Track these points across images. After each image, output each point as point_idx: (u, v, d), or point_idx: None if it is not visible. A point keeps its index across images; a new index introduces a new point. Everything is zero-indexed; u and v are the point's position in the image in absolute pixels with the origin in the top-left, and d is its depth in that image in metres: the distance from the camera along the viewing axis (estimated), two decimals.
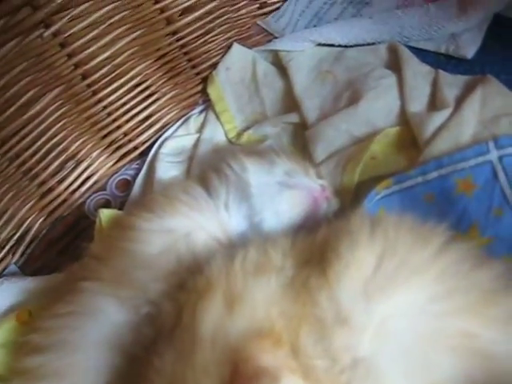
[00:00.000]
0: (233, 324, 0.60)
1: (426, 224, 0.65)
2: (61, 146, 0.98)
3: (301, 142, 0.96)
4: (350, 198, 0.83)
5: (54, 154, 0.98)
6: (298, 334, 0.59)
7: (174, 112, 1.09)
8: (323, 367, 0.58)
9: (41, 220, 1.01)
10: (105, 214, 0.87)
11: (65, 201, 1.03)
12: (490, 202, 0.77)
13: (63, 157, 0.99)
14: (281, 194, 0.76)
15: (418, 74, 0.94)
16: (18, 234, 0.98)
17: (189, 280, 0.66)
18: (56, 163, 0.99)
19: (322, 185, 0.80)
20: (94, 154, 1.03)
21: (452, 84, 0.91)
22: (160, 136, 1.09)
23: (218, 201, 0.77)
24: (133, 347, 0.67)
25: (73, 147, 1.00)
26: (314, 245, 0.66)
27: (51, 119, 0.94)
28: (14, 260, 0.98)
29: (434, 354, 0.57)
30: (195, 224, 0.74)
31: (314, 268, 0.62)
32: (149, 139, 1.09)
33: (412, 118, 0.88)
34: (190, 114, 1.10)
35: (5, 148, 0.90)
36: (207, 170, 0.83)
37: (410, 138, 0.87)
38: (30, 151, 0.94)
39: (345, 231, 0.65)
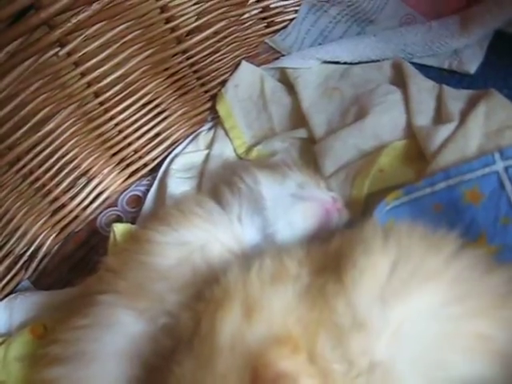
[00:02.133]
0: (251, 332, 0.61)
1: (437, 232, 0.67)
2: (73, 163, 1.00)
3: (309, 156, 0.97)
4: (359, 209, 0.85)
5: (66, 170, 1.00)
6: (316, 340, 0.60)
7: (184, 129, 1.12)
8: (341, 371, 0.59)
9: (53, 236, 1.02)
10: (119, 228, 0.88)
11: (77, 217, 1.04)
12: (497, 211, 0.79)
13: (75, 174, 1.02)
14: (294, 206, 0.78)
15: (423, 89, 0.96)
16: (30, 250, 0.99)
17: (205, 290, 0.67)
18: (68, 180, 1.01)
19: (333, 197, 0.82)
20: (106, 171, 1.05)
21: (456, 98, 0.93)
22: (170, 153, 1.11)
23: (231, 214, 0.79)
24: (151, 358, 0.68)
25: (85, 164, 1.02)
26: (329, 253, 0.68)
27: (64, 136, 0.96)
28: (26, 276, 0.99)
29: (450, 356, 0.59)
30: (210, 236, 0.76)
31: (329, 275, 0.64)
32: (159, 156, 1.11)
33: (418, 132, 0.89)
34: (199, 130, 1.13)
35: (19, 165, 0.91)
36: (219, 184, 0.85)
37: (416, 150, 0.89)
38: (44, 168, 0.96)
39: (359, 239, 0.66)
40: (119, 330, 0.70)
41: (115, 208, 1.07)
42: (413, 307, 0.60)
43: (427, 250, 0.64)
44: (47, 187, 0.98)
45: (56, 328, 0.79)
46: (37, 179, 0.96)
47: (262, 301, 0.63)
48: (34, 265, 1.00)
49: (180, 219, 0.79)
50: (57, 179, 0.99)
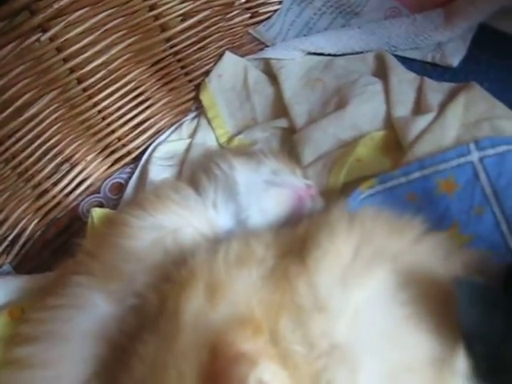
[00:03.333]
0: (214, 313, 0.61)
1: (402, 217, 0.67)
2: (56, 149, 1.01)
3: (289, 146, 0.98)
4: (335, 198, 0.85)
5: (49, 156, 1.00)
6: (278, 322, 0.61)
7: (168, 118, 1.12)
8: (301, 353, 0.60)
9: (35, 221, 1.02)
10: (97, 212, 0.89)
11: (59, 203, 1.05)
12: (471, 202, 0.79)
13: (58, 159, 1.02)
14: (267, 192, 0.78)
15: (404, 81, 0.97)
16: (12, 235, 1.00)
17: (174, 272, 0.68)
18: (51, 166, 1.01)
19: (307, 184, 0.82)
20: (89, 158, 1.06)
21: (436, 90, 0.94)
22: (153, 141, 1.11)
23: (206, 199, 0.80)
24: (118, 338, 0.69)
25: (68, 150, 1.02)
26: (295, 237, 0.68)
27: (47, 122, 0.96)
28: (8, 260, 0.99)
29: (409, 338, 0.59)
30: (184, 221, 0.76)
31: (293, 258, 0.64)
32: (142, 144, 1.11)
33: (397, 122, 0.90)
34: (183, 120, 1.13)
35: (1, 149, 0.92)
36: (197, 171, 0.85)
37: (394, 141, 0.90)
38: (26, 153, 0.96)
39: (324, 222, 0.67)
40: (90, 312, 0.71)
41: (98, 195, 1.08)
42: (373, 290, 0.61)
43: (390, 234, 0.65)
44: (30, 172, 0.98)
45: (31, 307, 0.80)
46: (19, 164, 0.96)
47: (226, 282, 0.64)
48: (15, 249, 1.00)
49: (156, 204, 0.79)
50: (39, 164, 0.99)
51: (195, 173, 0.85)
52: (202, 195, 0.80)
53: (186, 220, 0.77)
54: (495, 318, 0.57)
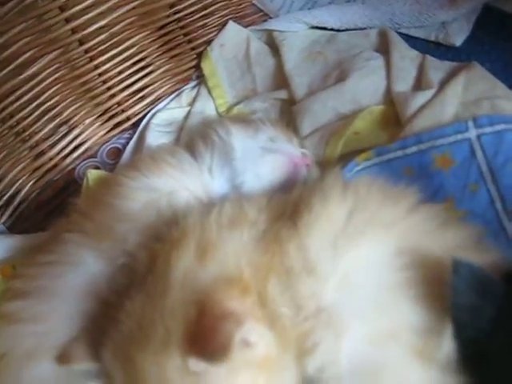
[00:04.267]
0: (203, 272, 0.61)
1: (397, 186, 0.67)
2: (55, 110, 1.00)
3: (288, 117, 0.98)
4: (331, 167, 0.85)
5: (47, 117, 1.00)
6: (266, 283, 0.61)
7: (168, 86, 1.12)
8: (289, 315, 0.60)
9: (31, 182, 1.03)
10: (92, 174, 0.89)
11: (56, 165, 1.05)
12: (467, 178, 0.79)
13: (56, 121, 1.02)
14: (262, 158, 0.79)
15: (406, 57, 0.96)
16: (7, 195, 1.00)
17: (165, 232, 0.68)
18: (49, 127, 1.01)
19: (303, 152, 0.82)
20: (87, 122, 1.06)
21: (438, 68, 0.93)
22: (152, 108, 1.11)
23: (202, 164, 0.80)
24: (107, 295, 0.68)
25: (66, 112, 1.02)
26: (289, 202, 0.68)
27: (47, 82, 0.96)
28: (2, 220, 1.00)
29: (396, 305, 0.59)
30: (179, 184, 0.77)
31: (285, 221, 0.64)
32: (142, 111, 1.11)
33: (396, 97, 0.90)
34: (183, 88, 1.13)
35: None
36: (194, 137, 0.85)
37: (393, 116, 0.90)
38: (24, 113, 0.96)
39: (318, 188, 0.67)
40: (81, 269, 0.71)
41: (95, 159, 1.07)
42: (364, 255, 0.61)
43: (384, 202, 0.65)
44: (27, 132, 0.98)
45: (23, 263, 0.81)
46: (17, 123, 0.96)
47: (216, 242, 0.64)
48: (10, 210, 1.00)
49: (151, 166, 0.79)
50: (37, 125, 0.99)
51: (192, 138, 0.86)
52: (198, 160, 0.81)
53: (181, 183, 0.77)
54: (487, 304, 0.57)
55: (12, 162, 0.99)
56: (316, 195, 0.66)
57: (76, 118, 1.04)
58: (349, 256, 0.61)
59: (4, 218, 1.00)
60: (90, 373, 0.64)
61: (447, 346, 0.57)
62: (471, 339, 0.56)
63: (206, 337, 0.56)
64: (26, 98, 0.95)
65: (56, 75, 0.97)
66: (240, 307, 0.59)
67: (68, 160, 1.06)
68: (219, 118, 1.02)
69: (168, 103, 1.11)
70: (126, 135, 1.10)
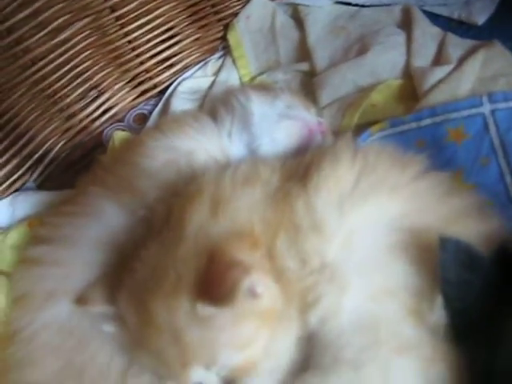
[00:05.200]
0: (216, 225, 0.65)
1: (406, 154, 0.70)
2: (85, 75, 1.04)
3: (308, 88, 1.00)
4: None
5: (78, 81, 1.04)
6: (275, 239, 0.65)
7: (195, 55, 1.15)
8: (294, 269, 0.64)
9: (62, 143, 1.07)
10: (118, 135, 0.93)
11: (85, 128, 1.09)
12: (478, 152, 0.81)
13: (87, 85, 1.06)
14: (279, 123, 0.81)
15: (427, 34, 0.98)
16: (38, 154, 1.04)
17: (183, 188, 0.71)
18: (79, 91, 1.05)
19: (319, 120, 0.85)
20: (116, 87, 1.09)
21: (458, 45, 0.95)
22: (179, 77, 1.14)
23: (222, 128, 0.83)
24: (125, 246, 0.72)
25: (96, 77, 1.06)
26: (301, 164, 0.71)
27: (78, 47, 1.00)
28: (32, 178, 1.04)
29: (395, 265, 0.62)
30: (198, 145, 0.80)
31: (296, 181, 0.67)
32: (168, 79, 1.14)
33: (414, 72, 0.92)
34: (209, 58, 1.15)
35: (33, 69, 0.96)
36: (217, 103, 0.88)
37: (410, 90, 0.92)
38: (56, 76, 1.00)
39: (329, 152, 0.70)
40: (102, 220, 0.76)
41: (122, 123, 1.11)
42: (368, 217, 0.64)
43: (392, 167, 0.68)
44: (59, 95, 1.02)
45: (49, 212, 0.86)
46: (49, 86, 1.00)
47: (230, 198, 0.68)
48: (40, 169, 1.05)
49: (173, 127, 0.83)
50: (68, 89, 1.03)
51: (215, 105, 0.89)
52: (219, 124, 0.84)
53: (201, 145, 0.80)
54: (474, 278, 0.60)
55: (44, 123, 1.03)
56: (327, 158, 0.69)
57: (105, 84, 1.08)
58: (354, 216, 0.64)
59: (34, 175, 1.04)
60: (105, 316, 0.68)
61: (438, 311, 0.61)
62: (459, 311, 0.60)
63: (214, 283, 0.60)
64: (58, 61, 0.99)
65: (87, 41, 1.00)
66: (249, 259, 0.63)
67: (97, 123, 1.10)
68: (241, 86, 1.05)
69: (194, 72, 1.14)
70: (152, 102, 1.14)
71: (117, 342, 0.68)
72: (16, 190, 1.02)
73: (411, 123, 0.84)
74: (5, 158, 0.99)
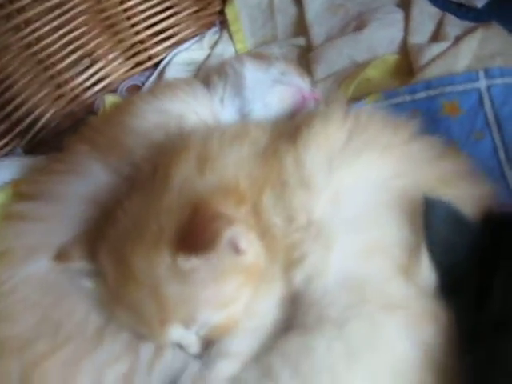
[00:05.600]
0: (201, 181, 0.64)
1: (398, 118, 0.69)
2: (79, 42, 1.03)
3: (305, 63, 0.99)
4: None
5: (71, 47, 1.02)
6: (261, 195, 0.63)
7: (192, 29, 1.13)
8: (280, 226, 0.62)
9: (52, 111, 1.05)
10: (110, 99, 0.92)
11: (77, 96, 1.07)
12: (473, 126, 0.81)
13: (80, 52, 1.04)
14: (272, 88, 0.81)
15: (425, 13, 0.98)
16: (28, 120, 1.03)
17: (171, 148, 0.70)
18: (72, 57, 1.03)
19: (313, 89, 0.84)
20: (110, 57, 1.08)
21: (456, 25, 0.95)
22: (174, 50, 1.12)
23: (214, 94, 0.83)
24: (110, 203, 0.71)
25: (90, 45, 1.04)
26: (292, 125, 0.70)
27: (73, 12, 0.99)
28: (21, 144, 1.03)
29: (385, 221, 0.61)
30: (189, 108, 0.79)
31: (286, 139, 0.66)
32: (164, 52, 1.13)
33: (411, 47, 0.92)
34: (206, 32, 1.14)
35: (26, 31, 0.95)
36: (211, 72, 0.88)
37: (406, 66, 0.91)
38: (49, 40, 0.99)
39: (321, 111, 0.69)
40: (87, 178, 0.74)
41: (114, 94, 1.09)
42: (358, 174, 0.63)
43: (384, 128, 0.67)
44: (51, 60, 1.01)
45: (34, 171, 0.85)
46: (41, 50, 0.99)
47: (217, 155, 0.66)
48: (29, 136, 1.03)
49: (165, 91, 0.82)
50: (61, 54, 1.02)
51: (209, 73, 0.88)
52: (211, 91, 0.83)
53: (192, 108, 0.80)
54: (460, 239, 0.59)
55: (34, 89, 1.01)
56: (318, 117, 0.68)
57: (99, 52, 1.06)
58: (343, 174, 0.63)
59: (23, 142, 1.03)
60: (84, 272, 0.67)
61: (427, 269, 0.59)
62: (445, 268, 0.58)
63: (195, 234, 0.58)
64: (52, 25, 0.98)
65: (82, 7, 0.99)
66: (233, 213, 0.62)
67: (89, 93, 1.08)
68: (236, 55, 1.04)
69: (190, 46, 1.13)
70: (147, 73, 1.13)
71: (95, 298, 0.67)
72: (4, 155, 1.00)
73: (405, 96, 0.83)
74: None
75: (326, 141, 0.64)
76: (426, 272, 0.58)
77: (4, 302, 0.70)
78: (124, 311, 0.62)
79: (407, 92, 0.83)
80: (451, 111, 0.81)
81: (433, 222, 0.58)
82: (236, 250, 0.60)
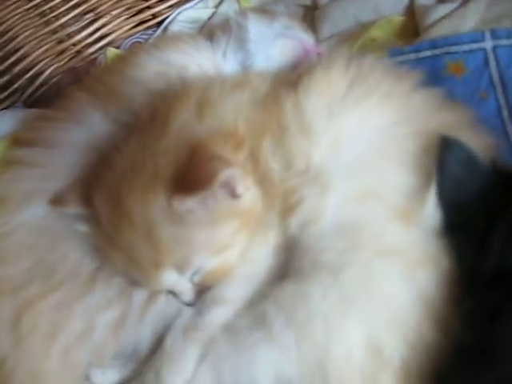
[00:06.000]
0: (200, 125, 0.64)
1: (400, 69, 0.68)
2: None
3: (309, 22, 0.98)
4: None
5: (74, 1, 1.01)
6: (260, 141, 0.63)
7: None
8: (278, 171, 0.62)
9: (53, 66, 1.04)
10: (111, 52, 0.91)
11: (79, 53, 1.06)
12: (477, 86, 0.79)
13: (83, 7, 1.03)
14: (275, 41, 0.80)
15: None
16: (29, 74, 1.02)
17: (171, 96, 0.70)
18: (75, 12, 1.03)
19: (316, 44, 0.83)
20: (114, 13, 1.06)
21: None
22: (178, 9, 1.10)
23: (217, 48, 0.82)
24: (106, 151, 0.70)
25: (93, 0, 1.03)
26: (294, 74, 0.70)
27: None
28: (21, 99, 1.02)
29: (383, 166, 0.61)
30: (191, 59, 0.79)
31: (287, 87, 0.65)
32: (168, 11, 1.11)
33: (418, 8, 0.90)
34: None
35: None
36: (214, 27, 0.88)
37: (412, 28, 0.90)
38: None
39: (323, 60, 0.68)
40: (86, 126, 0.74)
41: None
42: (358, 121, 0.62)
43: (386, 77, 0.66)
44: (53, 14, 1.00)
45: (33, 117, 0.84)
46: (45, 2, 0.98)
47: (217, 100, 0.66)
48: (29, 90, 1.02)
49: (167, 42, 0.83)
50: (64, 8, 1.01)
51: (213, 29, 0.88)
52: (214, 45, 0.83)
53: (194, 59, 0.79)
54: (473, 178, 0.59)
55: (36, 42, 1.01)
56: (320, 65, 0.67)
57: (102, 8, 1.05)
58: (343, 120, 0.62)
59: (24, 97, 1.02)
60: (79, 217, 0.67)
61: (431, 210, 0.59)
62: (454, 205, 0.58)
63: (192, 174, 0.58)
64: None
65: None
66: (231, 157, 0.61)
67: (91, 49, 1.07)
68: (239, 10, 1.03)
69: (195, 4, 1.10)
70: (150, 32, 1.11)
71: (89, 243, 0.67)
72: (4, 109, 0.99)
73: (410, 54, 0.82)
74: None
75: (327, 88, 0.63)
76: (431, 212, 0.58)
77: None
78: (118, 255, 0.62)
79: (412, 50, 0.82)
80: (456, 71, 0.80)
81: (447, 161, 0.58)
82: (232, 193, 0.60)
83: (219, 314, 0.62)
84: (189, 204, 0.57)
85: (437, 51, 0.81)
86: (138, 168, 0.61)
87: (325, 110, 0.62)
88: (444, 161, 0.57)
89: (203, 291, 0.64)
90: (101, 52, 1.07)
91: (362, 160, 0.61)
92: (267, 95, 0.66)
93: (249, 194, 0.61)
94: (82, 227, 0.66)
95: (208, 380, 0.61)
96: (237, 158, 0.61)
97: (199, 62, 0.78)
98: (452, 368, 0.54)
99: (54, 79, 1.05)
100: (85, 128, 0.74)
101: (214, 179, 0.55)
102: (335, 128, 0.61)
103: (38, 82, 1.03)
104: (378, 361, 0.55)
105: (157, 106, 0.69)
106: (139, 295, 0.65)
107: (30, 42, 0.99)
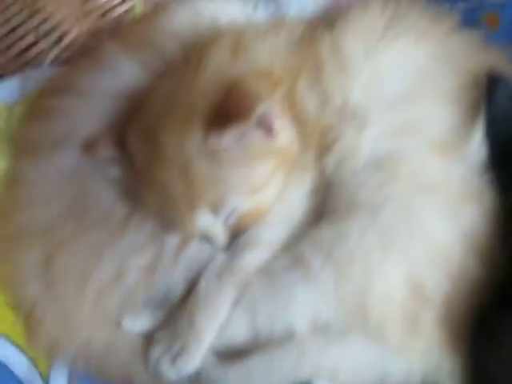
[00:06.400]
0: (235, 66, 0.63)
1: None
2: None
3: None
4: None
5: None
6: (296, 81, 0.62)
7: None
8: (315, 111, 0.61)
9: (79, 27, 1.03)
10: (138, 6, 0.90)
11: (105, 14, 1.04)
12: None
13: None
14: None
15: None
16: (55, 35, 1.00)
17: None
18: None
19: None
20: None
21: None
22: None
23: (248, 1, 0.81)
24: (138, 99, 0.69)
25: None
26: (329, 17, 0.68)
27: None
28: (47, 60, 1.01)
29: (424, 99, 0.60)
30: (222, 10, 0.78)
31: (322, 28, 0.65)
32: None
33: None
34: None
35: None
36: None
37: None
38: None
39: (360, 3, 0.67)
40: (117, 73, 0.73)
41: None
42: (395, 58, 0.62)
43: (423, 18, 0.65)
44: None
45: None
46: None
47: (252, 43, 0.65)
48: (55, 51, 1.00)
49: None
50: None
51: None
52: None
53: (225, 11, 0.78)
54: None
55: (61, 3, 0.99)
56: (357, 5, 0.66)
57: None
58: (381, 56, 0.61)
59: (49, 57, 1.00)
60: (112, 160, 0.66)
61: (476, 145, 0.58)
62: (500, 144, 0.57)
63: (228, 109, 0.57)
64: None
65: None
66: (267, 93, 0.60)
67: (118, 9, 1.03)
68: None
69: None
70: None
71: (121, 187, 0.66)
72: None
73: (444, 4, 0.80)
74: (20, 32, 0.96)
75: (364, 27, 0.63)
76: (476, 147, 0.57)
77: (29, 191, 0.69)
78: (153, 196, 0.61)
79: (446, 1, 0.80)
80: (490, 23, 0.79)
81: (495, 97, 0.57)
82: (269, 130, 0.59)
83: (255, 257, 0.62)
84: (225, 140, 0.56)
85: (471, 3, 0.80)
86: (173, 107, 0.61)
87: (362, 48, 0.61)
88: (492, 96, 0.57)
89: (237, 234, 0.63)
90: (127, 15, 1.07)
91: (401, 95, 0.60)
92: (303, 37, 0.65)
93: (285, 133, 0.60)
94: (114, 171, 0.66)
95: (242, 324, 0.61)
96: (273, 96, 0.60)
97: (230, 12, 0.77)
98: (495, 306, 0.53)
99: (80, 40, 1.04)
100: (115, 75, 0.72)
101: (252, 112, 0.55)
102: (372, 64, 0.60)
103: (63, 44, 1.01)
104: (419, 299, 0.55)
105: (189, 51, 0.68)
106: (171, 240, 0.64)
107: (55, 1, 0.98)
